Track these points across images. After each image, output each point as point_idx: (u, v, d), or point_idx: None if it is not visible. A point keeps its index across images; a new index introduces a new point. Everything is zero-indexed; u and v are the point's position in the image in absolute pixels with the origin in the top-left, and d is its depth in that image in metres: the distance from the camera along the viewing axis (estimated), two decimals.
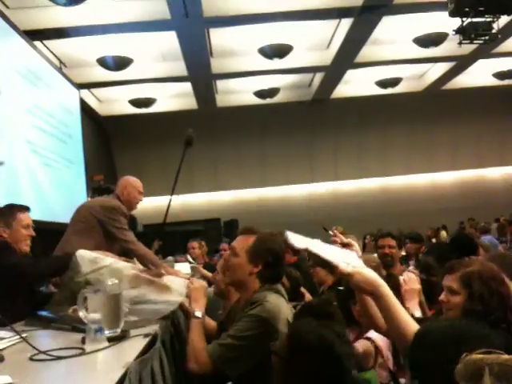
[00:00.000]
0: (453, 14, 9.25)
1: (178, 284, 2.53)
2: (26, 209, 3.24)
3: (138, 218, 13.19)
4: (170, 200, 4.69)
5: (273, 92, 15.16)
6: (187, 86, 14.23)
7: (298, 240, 1.93)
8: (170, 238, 11.50)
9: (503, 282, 2.01)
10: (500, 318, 1.87)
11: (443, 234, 12.69)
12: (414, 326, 1.85)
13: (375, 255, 4.68)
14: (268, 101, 15.63)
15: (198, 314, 2.33)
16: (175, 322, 2.49)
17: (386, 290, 1.85)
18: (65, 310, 2.32)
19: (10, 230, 3.10)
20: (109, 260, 2.52)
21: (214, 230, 14.85)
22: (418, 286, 2.74)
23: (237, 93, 15.57)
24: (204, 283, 2.56)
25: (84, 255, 2.50)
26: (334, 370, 1.67)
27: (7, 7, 9.20)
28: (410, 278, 2.76)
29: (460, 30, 9.68)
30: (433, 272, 3.38)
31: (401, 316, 1.86)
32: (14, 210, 3.19)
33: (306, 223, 14.70)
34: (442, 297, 2.07)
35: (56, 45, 10.96)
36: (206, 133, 16.75)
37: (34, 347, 1.76)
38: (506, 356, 0.99)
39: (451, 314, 2.03)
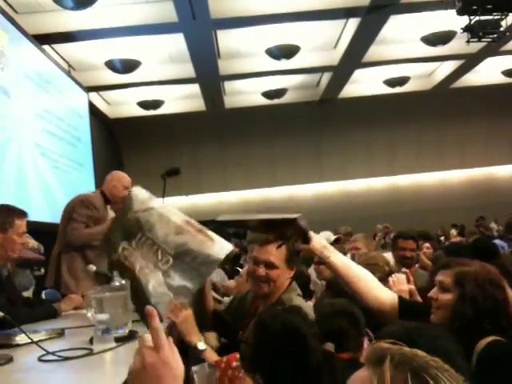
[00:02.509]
0: (460, 12, 9.20)
1: (222, 241, 2.39)
2: (24, 215, 2.98)
3: None
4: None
5: (280, 92, 15.17)
6: (195, 88, 14.26)
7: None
8: None
9: (500, 287, 1.91)
10: (492, 323, 1.78)
11: (453, 232, 12.62)
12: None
13: (386, 254, 4.66)
14: (276, 101, 15.63)
15: (201, 345, 2.12)
16: None
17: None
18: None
19: (4, 235, 2.82)
20: (158, 203, 2.42)
21: (222, 231, 14.82)
22: (406, 286, 2.64)
23: (245, 94, 15.58)
24: (189, 311, 2.24)
25: (138, 193, 2.40)
26: (299, 350, 1.70)
27: (16, 12, 9.27)
28: (399, 279, 2.69)
29: (468, 28, 9.63)
30: None
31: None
32: (12, 214, 2.91)
33: (315, 223, 14.70)
34: (432, 293, 1.99)
35: (64, 49, 11.03)
36: (214, 134, 16.82)
37: (42, 348, 1.78)
38: (407, 349, 1.03)
39: (440, 314, 1.95)
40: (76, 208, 3.98)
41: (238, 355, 1.83)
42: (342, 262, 2.04)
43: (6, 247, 2.84)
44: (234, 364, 1.78)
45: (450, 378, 0.96)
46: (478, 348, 1.75)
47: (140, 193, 2.40)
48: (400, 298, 2.09)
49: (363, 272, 2.07)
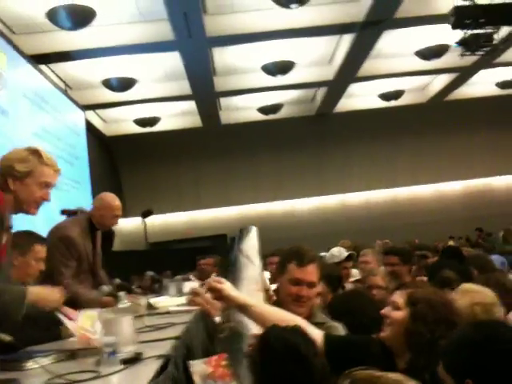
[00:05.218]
0: (454, 27, 9.33)
1: None
2: (43, 241, 3.01)
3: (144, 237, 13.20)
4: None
5: (276, 108, 15.26)
6: (191, 105, 14.35)
7: None
8: (177, 256, 11.53)
9: (455, 312, 1.97)
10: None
11: (451, 244, 12.59)
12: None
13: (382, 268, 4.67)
14: (271, 116, 15.71)
15: None
16: (188, 343, 2.51)
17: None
18: None
19: (22, 258, 2.84)
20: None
21: (221, 247, 14.84)
22: None
23: (241, 110, 15.68)
24: None
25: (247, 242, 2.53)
26: (300, 369, 1.75)
27: (13, 33, 9.35)
28: None
29: (462, 42, 9.76)
30: (454, 286, 3.36)
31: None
32: (32, 239, 2.95)
33: (314, 236, 14.74)
34: (384, 310, 2.05)
35: (61, 68, 11.11)
36: (210, 150, 16.87)
37: (48, 371, 1.78)
38: (374, 373, 1.18)
39: (389, 330, 2.00)
40: (54, 249, 3.51)
41: (226, 355, 1.95)
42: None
43: (22, 270, 2.82)
44: (223, 363, 1.90)
45: None
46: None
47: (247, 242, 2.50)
48: (326, 335, 2.07)
49: (287, 317, 2.10)
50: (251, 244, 2.48)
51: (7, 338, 1.67)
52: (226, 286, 2.17)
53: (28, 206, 2.42)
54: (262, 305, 2.20)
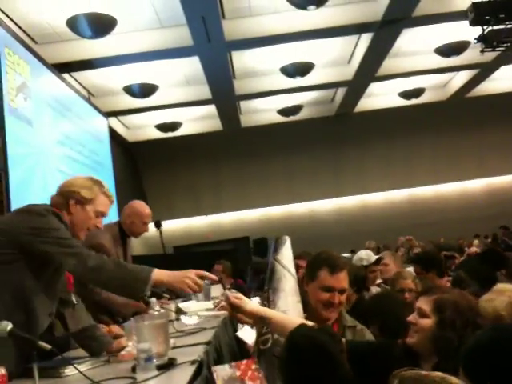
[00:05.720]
0: (473, 23, 9.24)
1: None
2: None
3: (167, 240, 13.28)
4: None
5: (296, 109, 15.24)
6: (212, 109, 14.43)
7: None
8: (200, 259, 11.58)
9: (480, 314, 2.01)
10: None
11: (476, 243, 12.46)
12: None
13: (409, 268, 4.66)
14: (291, 118, 15.72)
15: None
16: (217, 347, 2.55)
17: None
18: None
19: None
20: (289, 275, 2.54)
21: (243, 249, 14.87)
22: None
23: (261, 112, 15.72)
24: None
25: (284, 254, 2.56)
26: (326, 366, 1.78)
27: (36, 42, 9.52)
28: None
29: (481, 38, 9.66)
30: (464, 285, 3.38)
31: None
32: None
33: (335, 237, 14.72)
34: (411, 318, 2.04)
35: (83, 76, 11.25)
36: (231, 153, 16.94)
37: (87, 377, 1.84)
38: (420, 372, 1.23)
39: (416, 337, 2.00)
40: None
41: (256, 359, 2.01)
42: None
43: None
44: (254, 366, 1.94)
45: None
46: None
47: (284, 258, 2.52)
48: (348, 342, 2.09)
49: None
50: (287, 254, 2.51)
51: (48, 346, 1.73)
52: (244, 302, 2.23)
53: (80, 230, 2.50)
54: (281, 316, 2.24)
